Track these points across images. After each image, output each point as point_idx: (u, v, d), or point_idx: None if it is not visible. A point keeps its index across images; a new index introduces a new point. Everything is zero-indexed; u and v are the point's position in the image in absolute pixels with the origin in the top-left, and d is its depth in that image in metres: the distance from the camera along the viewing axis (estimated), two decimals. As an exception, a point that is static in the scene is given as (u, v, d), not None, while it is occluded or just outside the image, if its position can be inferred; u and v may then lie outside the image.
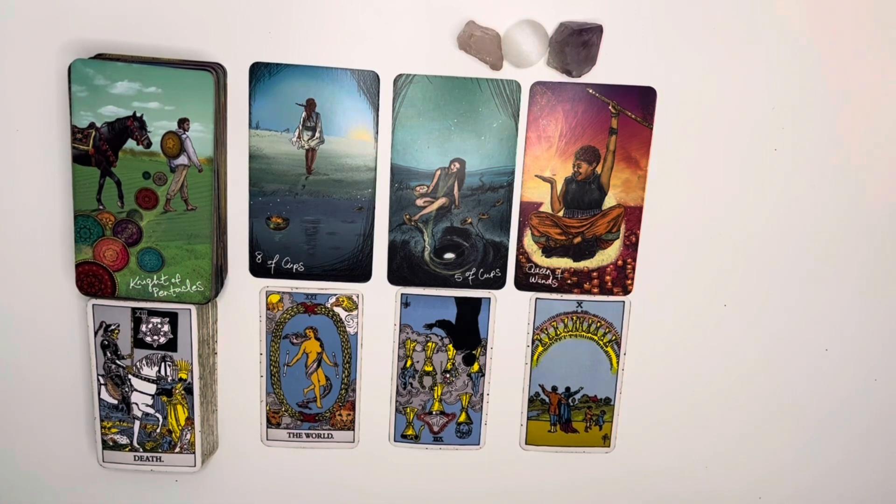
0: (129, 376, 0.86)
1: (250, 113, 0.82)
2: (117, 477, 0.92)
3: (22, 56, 0.79)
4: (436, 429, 0.92)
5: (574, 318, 0.89)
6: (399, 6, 0.80)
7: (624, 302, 0.89)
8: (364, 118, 0.82)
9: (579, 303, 0.89)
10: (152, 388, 0.87)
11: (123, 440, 0.88)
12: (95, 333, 0.85)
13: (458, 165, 0.84)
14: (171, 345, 0.85)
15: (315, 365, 0.89)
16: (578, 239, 0.87)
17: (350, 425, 0.91)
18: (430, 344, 0.89)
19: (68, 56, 0.79)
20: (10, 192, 0.83)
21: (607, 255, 0.87)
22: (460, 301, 0.88)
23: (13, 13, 0.79)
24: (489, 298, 0.88)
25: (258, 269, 0.86)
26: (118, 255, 0.82)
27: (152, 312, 0.85)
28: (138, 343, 0.86)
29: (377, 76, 0.81)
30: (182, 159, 0.79)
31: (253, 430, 0.91)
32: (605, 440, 0.93)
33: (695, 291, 0.89)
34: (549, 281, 0.88)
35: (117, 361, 0.86)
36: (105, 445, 0.88)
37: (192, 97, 0.78)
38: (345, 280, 0.87)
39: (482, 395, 0.91)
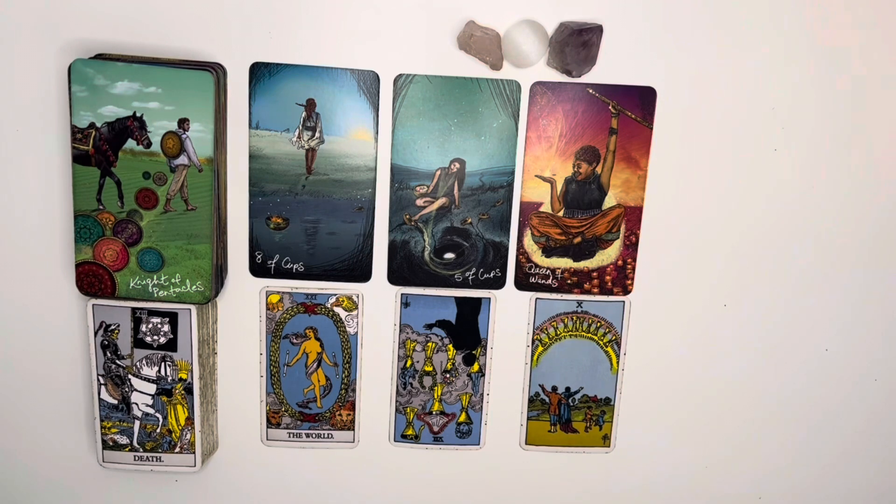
0: (129, 376, 0.87)
1: (250, 113, 0.82)
2: (117, 477, 0.92)
3: (22, 56, 0.79)
4: (436, 429, 0.92)
5: (574, 318, 0.89)
6: (399, 6, 0.80)
7: (624, 302, 0.89)
8: (364, 118, 0.82)
9: (579, 303, 0.89)
10: (152, 388, 0.87)
11: (123, 440, 0.88)
12: (95, 333, 0.85)
13: (458, 165, 0.84)
14: (171, 345, 0.85)
15: (315, 365, 0.89)
16: (578, 239, 0.87)
17: (350, 425, 0.91)
18: (430, 344, 0.89)
19: (68, 56, 0.79)
20: (10, 192, 0.83)
21: (607, 255, 0.87)
22: (460, 301, 0.88)
23: (13, 13, 0.79)
24: (489, 298, 0.88)
25: (258, 269, 0.86)
26: (118, 255, 0.82)
27: (152, 312, 0.85)
28: (138, 343, 0.86)
29: (377, 76, 0.81)
30: (182, 159, 0.79)
31: (253, 430, 0.91)
32: (605, 440, 0.93)
33: (695, 291, 0.89)
34: (549, 281, 0.88)
35: (117, 361, 0.86)
36: (105, 445, 0.88)
37: (192, 97, 0.78)
38: (345, 280, 0.87)
39: (482, 395, 0.91)
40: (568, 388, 0.91)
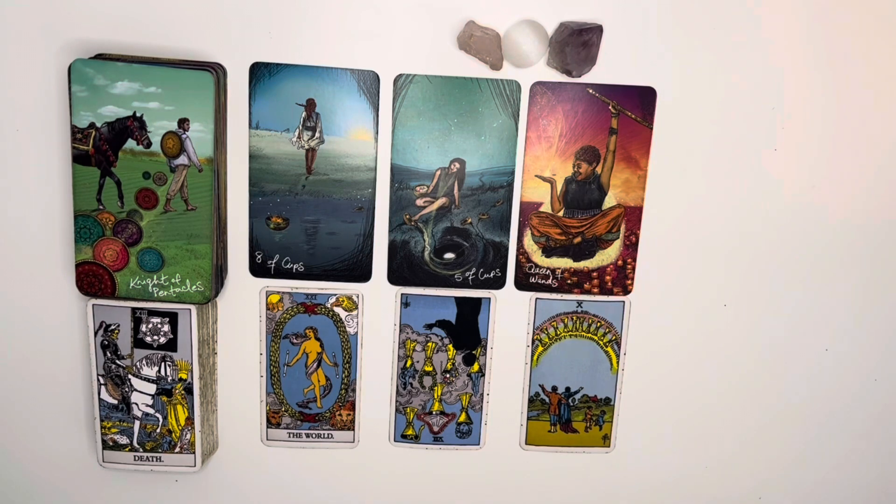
0: (129, 376, 0.86)
1: (250, 113, 0.82)
2: (117, 477, 0.92)
3: (22, 56, 0.79)
4: (436, 429, 0.92)
5: (574, 318, 0.89)
6: (399, 6, 0.80)
7: (624, 302, 0.89)
8: (364, 118, 0.82)
9: (579, 303, 0.89)
10: (152, 388, 0.87)
11: (123, 440, 0.88)
12: (95, 333, 0.85)
13: (458, 165, 0.84)
14: (171, 345, 0.85)
15: (315, 365, 0.89)
16: (578, 239, 0.87)
17: (350, 425, 0.91)
18: (430, 344, 0.89)
19: (68, 56, 0.79)
20: (10, 192, 0.83)
21: (607, 255, 0.87)
22: (460, 301, 0.88)
23: (13, 13, 0.79)
24: (489, 298, 0.88)
25: (258, 269, 0.86)
26: (118, 255, 0.82)
27: (152, 312, 0.85)
28: (138, 343, 0.86)
29: (377, 76, 0.81)
30: (182, 159, 0.79)
31: (253, 430, 0.91)
32: (605, 440, 0.93)
33: (695, 291, 0.89)
34: (549, 281, 0.88)
35: (117, 361, 0.86)
36: (105, 445, 0.88)
37: (192, 97, 0.78)
38: (345, 280, 0.87)
39: (482, 395, 0.91)
40: (568, 388, 0.91)
